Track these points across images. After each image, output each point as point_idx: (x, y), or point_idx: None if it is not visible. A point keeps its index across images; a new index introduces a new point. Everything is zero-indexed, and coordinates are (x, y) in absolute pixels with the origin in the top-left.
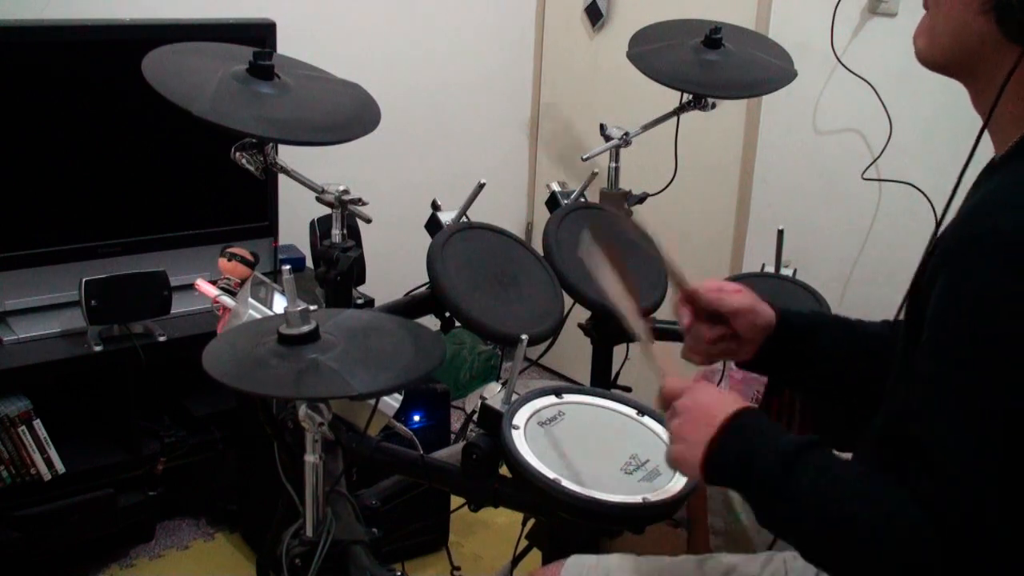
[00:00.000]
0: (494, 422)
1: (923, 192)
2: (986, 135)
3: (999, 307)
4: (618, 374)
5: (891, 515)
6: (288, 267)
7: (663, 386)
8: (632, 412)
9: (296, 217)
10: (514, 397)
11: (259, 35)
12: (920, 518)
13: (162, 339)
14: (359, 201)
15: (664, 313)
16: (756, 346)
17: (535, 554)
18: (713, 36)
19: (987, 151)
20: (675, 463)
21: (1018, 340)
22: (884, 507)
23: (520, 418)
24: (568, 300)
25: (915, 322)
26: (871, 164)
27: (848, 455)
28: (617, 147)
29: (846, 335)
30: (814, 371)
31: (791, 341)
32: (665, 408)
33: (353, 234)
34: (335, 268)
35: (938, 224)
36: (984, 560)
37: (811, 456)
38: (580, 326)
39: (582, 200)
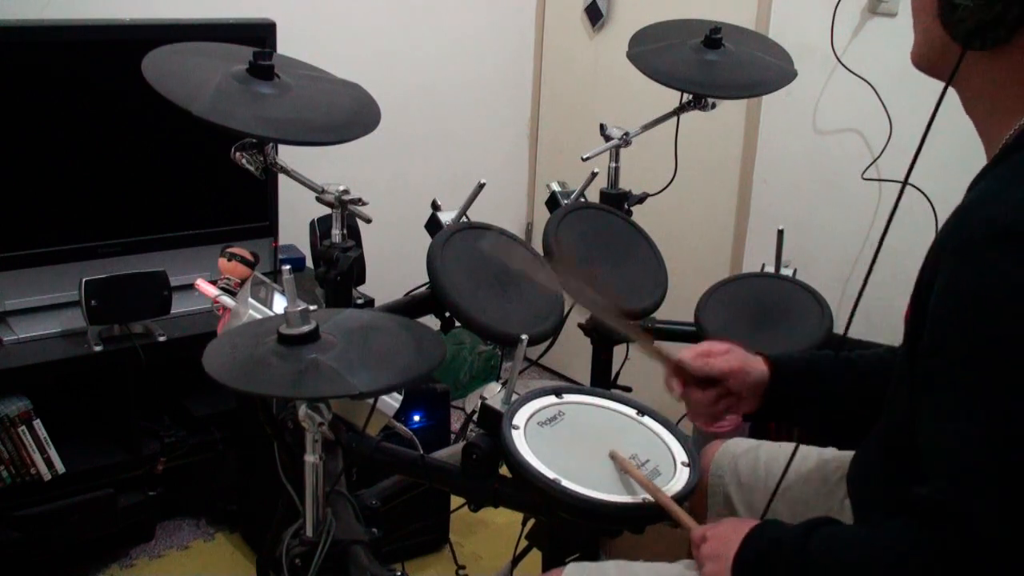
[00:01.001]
0: (494, 422)
1: (923, 192)
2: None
3: (998, 296)
4: (618, 374)
5: (889, 548)
6: (288, 267)
7: (693, 531)
8: (632, 412)
9: (296, 217)
10: (514, 397)
11: (259, 35)
12: (912, 534)
13: (162, 339)
14: (359, 201)
15: (664, 313)
16: (756, 398)
17: (535, 554)
18: (713, 36)
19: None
20: None
21: (1018, 331)
22: (883, 544)
23: (520, 418)
24: (568, 300)
25: (917, 325)
26: (871, 164)
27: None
28: (617, 147)
29: (844, 372)
30: (818, 412)
31: (789, 389)
32: (697, 551)
33: (353, 234)
34: (335, 268)
35: (900, 196)
36: (984, 561)
37: (823, 527)
38: (580, 326)
39: (582, 200)
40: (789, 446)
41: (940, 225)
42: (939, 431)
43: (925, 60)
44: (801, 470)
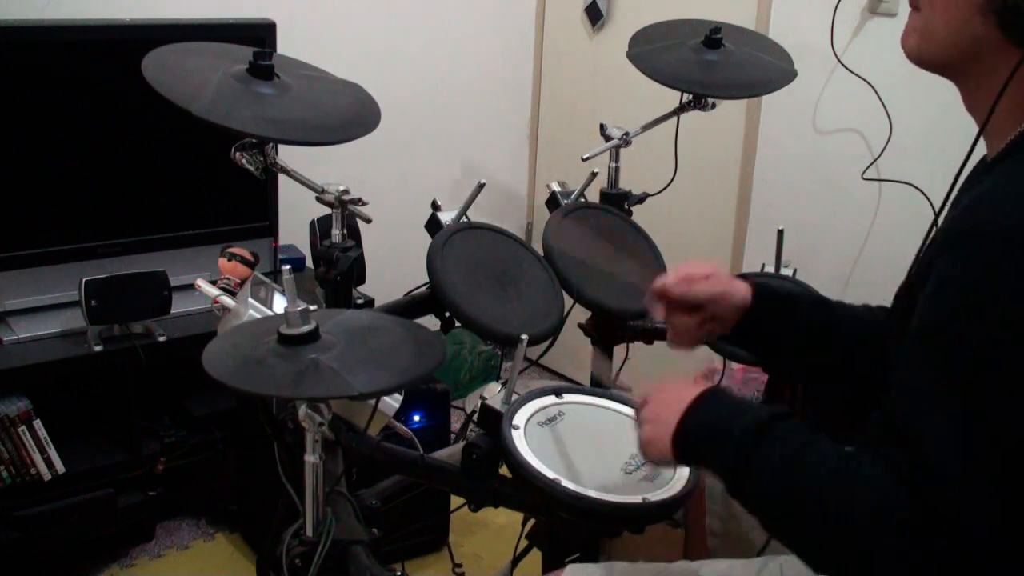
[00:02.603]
0: (494, 422)
1: (923, 192)
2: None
3: (994, 297)
4: (618, 374)
5: (864, 486)
6: (288, 267)
7: (638, 403)
8: (632, 412)
9: (296, 217)
10: (514, 397)
11: (259, 35)
12: (894, 493)
13: (162, 339)
14: (359, 201)
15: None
16: (735, 321)
17: (535, 554)
18: (713, 36)
19: (981, 151)
20: (645, 445)
21: (1011, 330)
22: (856, 478)
23: (520, 418)
24: (568, 300)
25: (907, 315)
26: (871, 164)
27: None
28: (617, 147)
29: (822, 313)
30: (788, 346)
31: (767, 316)
32: (639, 412)
33: (353, 234)
34: (335, 268)
35: (933, 224)
36: (966, 556)
37: (783, 426)
38: (580, 326)
39: (582, 200)
40: None
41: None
42: (920, 415)
43: (943, 54)
44: None
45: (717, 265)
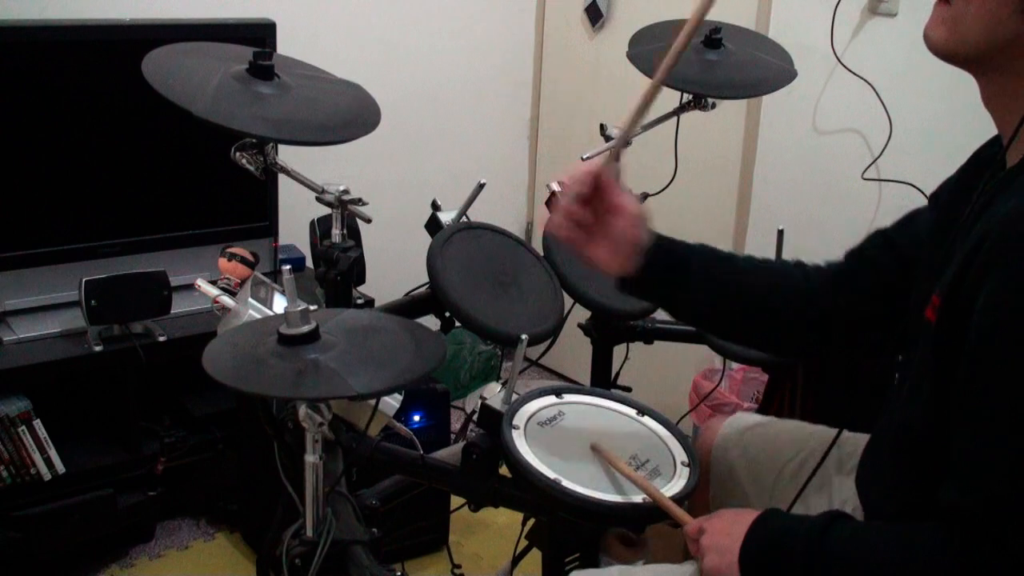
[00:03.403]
0: (494, 422)
1: (923, 192)
2: (977, 133)
3: None
4: (618, 374)
5: (918, 546)
6: (288, 267)
7: (686, 526)
8: (632, 412)
9: (296, 217)
10: (514, 397)
11: (259, 35)
12: (952, 546)
13: (162, 339)
14: (359, 201)
15: (664, 313)
16: (622, 259)
17: (535, 554)
18: (713, 36)
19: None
20: (711, 572)
21: None
22: (916, 548)
23: (520, 418)
24: (568, 300)
25: (950, 327)
26: (871, 164)
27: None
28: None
29: (720, 266)
30: (683, 297)
31: (664, 264)
32: (693, 542)
33: (353, 234)
34: (335, 268)
35: (935, 226)
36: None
37: (841, 523)
38: (580, 326)
39: None
40: (803, 425)
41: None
42: (982, 441)
43: (973, 49)
44: (815, 451)
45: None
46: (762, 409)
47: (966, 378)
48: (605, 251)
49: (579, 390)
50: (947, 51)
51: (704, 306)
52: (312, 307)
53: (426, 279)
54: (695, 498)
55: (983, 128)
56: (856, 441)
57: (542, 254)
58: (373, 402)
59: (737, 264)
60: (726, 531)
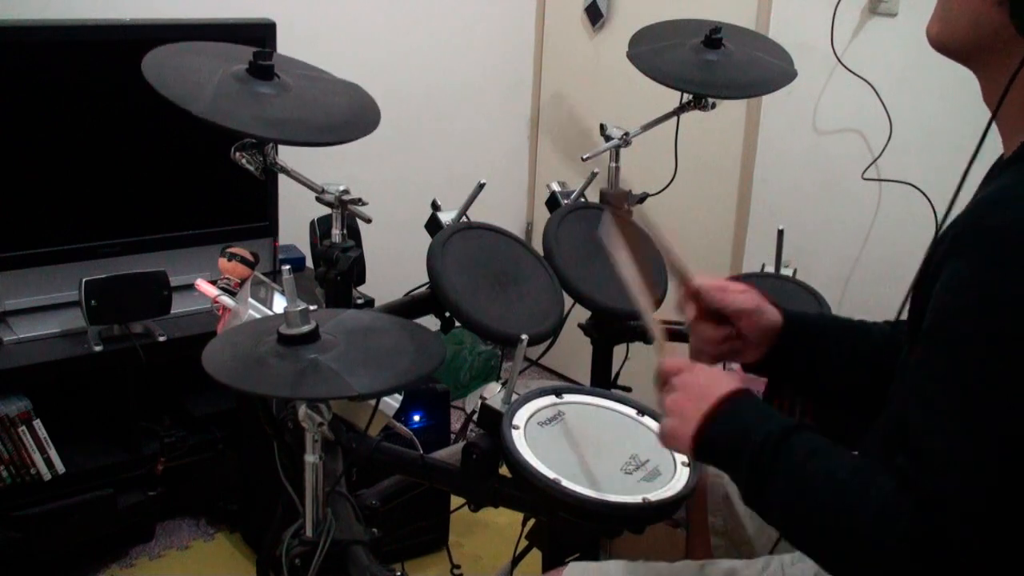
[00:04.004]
0: (494, 422)
1: (923, 192)
2: (977, 133)
3: (1007, 299)
4: (618, 374)
5: (872, 496)
6: (288, 267)
7: (661, 363)
8: (632, 412)
9: (296, 217)
10: (514, 397)
11: (259, 35)
12: (900, 502)
13: (162, 339)
14: (359, 201)
15: (664, 313)
16: (763, 348)
17: (535, 554)
18: (713, 36)
19: (991, 148)
20: (666, 438)
21: (1021, 334)
22: (866, 490)
23: (520, 418)
24: (568, 300)
25: (918, 318)
26: (871, 164)
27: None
28: (617, 147)
29: (851, 338)
30: (818, 375)
31: (796, 344)
32: (662, 386)
33: (353, 234)
34: (335, 268)
35: (939, 225)
36: (965, 558)
37: (801, 438)
38: (580, 326)
39: (582, 200)
40: None
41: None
42: (929, 425)
43: (961, 41)
44: None
45: (750, 286)
46: None
47: (918, 358)
48: (750, 354)
49: (579, 390)
50: (939, 44)
51: (837, 380)
52: (312, 307)
53: (426, 279)
54: (694, 517)
55: (983, 128)
56: None
57: (542, 254)
58: (373, 402)
59: (862, 333)
60: (693, 399)
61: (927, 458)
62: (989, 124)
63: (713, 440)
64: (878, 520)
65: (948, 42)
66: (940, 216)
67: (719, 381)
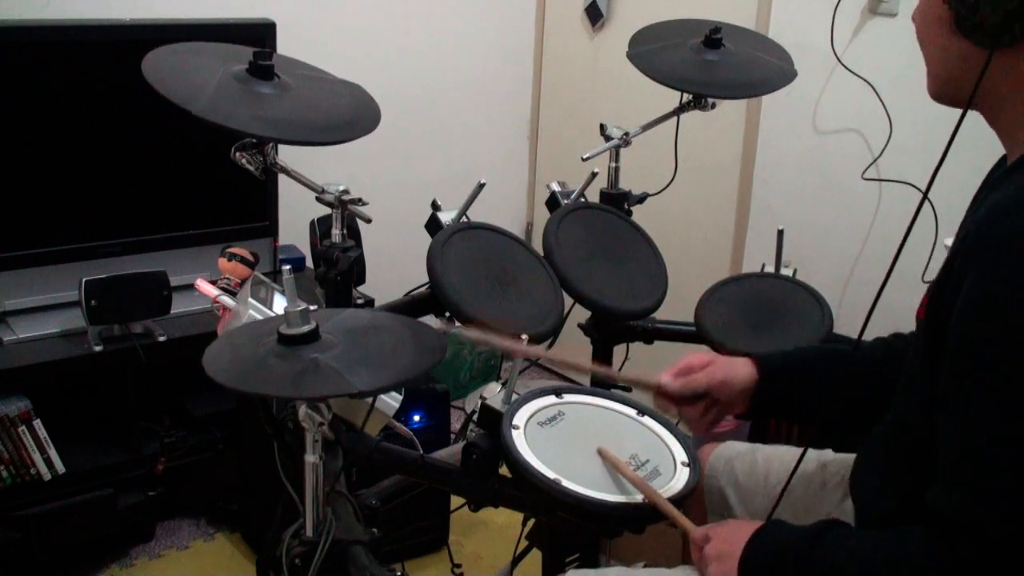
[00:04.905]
0: (494, 422)
1: (923, 192)
2: (977, 133)
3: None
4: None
5: (905, 558)
6: (288, 267)
7: (691, 533)
8: (632, 412)
9: (296, 217)
10: (514, 397)
11: (259, 35)
12: (931, 545)
13: (162, 339)
14: (359, 201)
15: (664, 313)
16: (746, 402)
17: (535, 554)
18: (713, 36)
19: (982, 150)
20: None
21: None
22: (900, 547)
23: (520, 418)
24: (568, 300)
25: (935, 325)
26: (871, 164)
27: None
28: (617, 147)
29: (831, 367)
30: (805, 408)
31: (776, 389)
32: (697, 549)
33: (353, 234)
34: (335, 268)
35: (914, 215)
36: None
37: (833, 531)
38: (580, 326)
39: (582, 200)
40: (787, 449)
41: (939, 224)
42: (963, 439)
43: (946, 84)
44: (801, 473)
45: (713, 356)
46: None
47: (947, 376)
48: (737, 409)
49: (579, 390)
50: (937, 97)
51: (832, 408)
52: (312, 307)
53: (426, 279)
54: (692, 518)
55: (983, 128)
56: (839, 461)
57: (542, 254)
58: (371, 401)
59: (847, 358)
60: (730, 539)
61: (966, 476)
62: (962, 117)
63: (757, 560)
64: (915, 567)
65: (940, 90)
66: (940, 217)
67: (746, 524)
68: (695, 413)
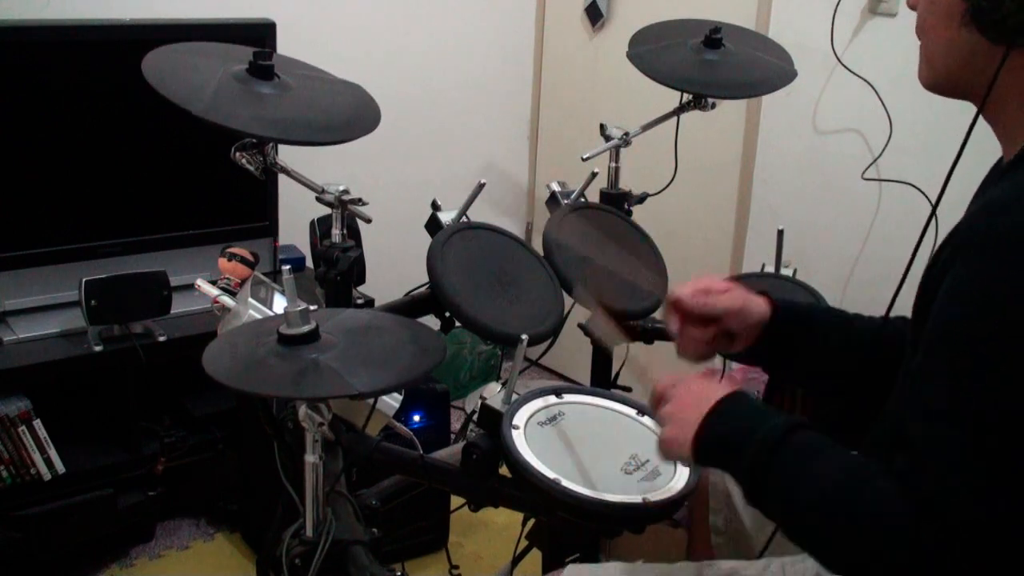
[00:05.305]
0: (494, 422)
1: (923, 192)
2: (977, 133)
3: (1008, 301)
4: (618, 374)
5: (871, 498)
6: (288, 267)
7: (656, 382)
8: (632, 412)
9: (296, 217)
10: (514, 397)
11: (259, 35)
12: (900, 503)
13: (162, 339)
14: (359, 201)
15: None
16: (751, 339)
17: (535, 554)
18: (713, 36)
19: (982, 150)
20: (666, 445)
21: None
22: (866, 490)
23: (520, 418)
24: (568, 300)
25: (922, 321)
26: (871, 164)
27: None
28: (617, 147)
29: (840, 328)
30: (806, 363)
31: (785, 333)
32: (657, 402)
33: (353, 234)
34: (335, 268)
35: (929, 220)
36: (965, 559)
37: (801, 436)
38: (580, 326)
39: (582, 200)
40: None
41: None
42: (929, 420)
43: (946, 77)
44: None
45: (734, 283)
46: None
47: (919, 363)
48: (739, 344)
49: (579, 390)
50: (931, 86)
51: (822, 369)
52: (312, 307)
53: (426, 279)
54: (696, 516)
55: (983, 128)
56: None
57: (542, 254)
58: (372, 402)
59: (852, 324)
60: (690, 405)
61: (928, 460)
62: (974, 121)
63: (714, 440)
64: (877, 521)
65: (937, 80)
66: (940, 217)
67: (715, 386)
68: (700, 336)
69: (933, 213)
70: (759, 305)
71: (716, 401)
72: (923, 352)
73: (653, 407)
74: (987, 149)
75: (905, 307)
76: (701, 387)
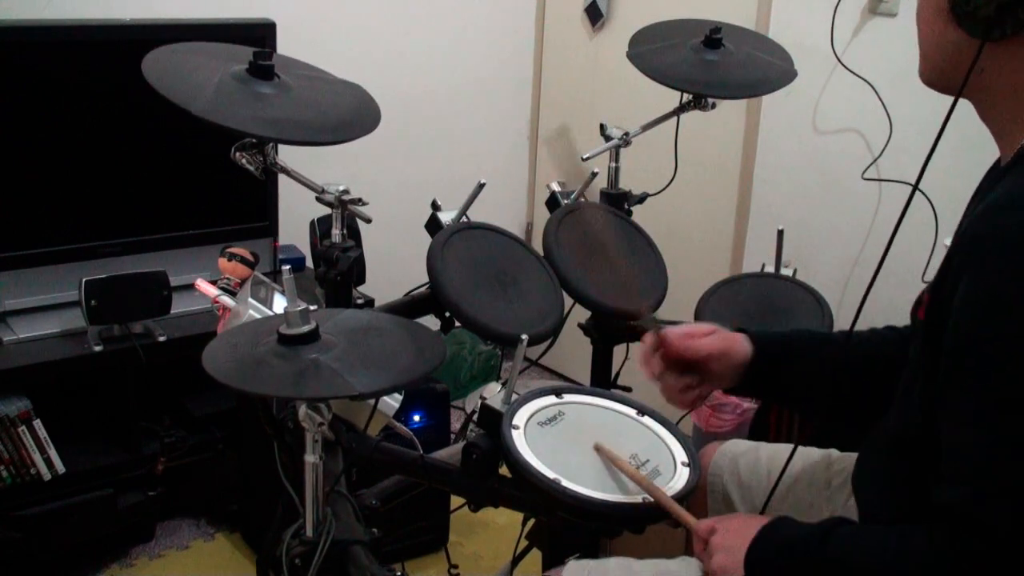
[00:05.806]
0: (494, 422)
1: (923, 192)
2: (977, 133)
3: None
4: (618, 374)
5: (911, 555)
6: (288, 267)
7: (696, 526)
8: (632, 412)
9: (296, 217)
10: (514, 397)
11: (259, 35)
12: (936, 542)
13: (162, 339)
14: (359, 201)
15: (664, 313)
16: (737, 377)
17: (535, 554)
18: (713, 36)
19: (982, 150)
20: (718, 571)
21: None
22: (906, 551)
23: (520, 418)
24: (568, 300)
25: (936, 325)
26: (871, 164)
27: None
28: (617, 147)
29: (830, 352)
30: (795, 391)
31: (772, 368)
32: (702, 545)
33: (353, 234)
34: (335, 268)
35: (901, 218)
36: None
37: (841, 528)
38: (580, 326)
39: (582, 200)
40: (790, 447)
41: (939, 224)
42: (965, 436)
43: (939, 72)
44: (805, 472)
45: (716, 327)
46: (761, 411)
47: (946, 373)
48: (724, 385)
49: (579, 390)
50: (928, 81)
51: (815, 394)
52: (312, 307)
53: (426, 279)
54: (695, 516)
55: (983, 128)
56: (844, 460)
57: (542, 254)
58: (372, 402)
59: (842, 345)
60: (738, 532)
61: (963, 466)
62: (952, 106)
63: (764, 554)
64: (921, 564)
65: (931, 76)
66: (940, 217)
67: (756, 518)
68: (677, 385)
69: (913, 194)
70: (741, 348)
71: (763, 524)
72: (949, 365)
73: (696, 544)
74: (987, 149)
75: (897, 309)
76: (745, 517)
